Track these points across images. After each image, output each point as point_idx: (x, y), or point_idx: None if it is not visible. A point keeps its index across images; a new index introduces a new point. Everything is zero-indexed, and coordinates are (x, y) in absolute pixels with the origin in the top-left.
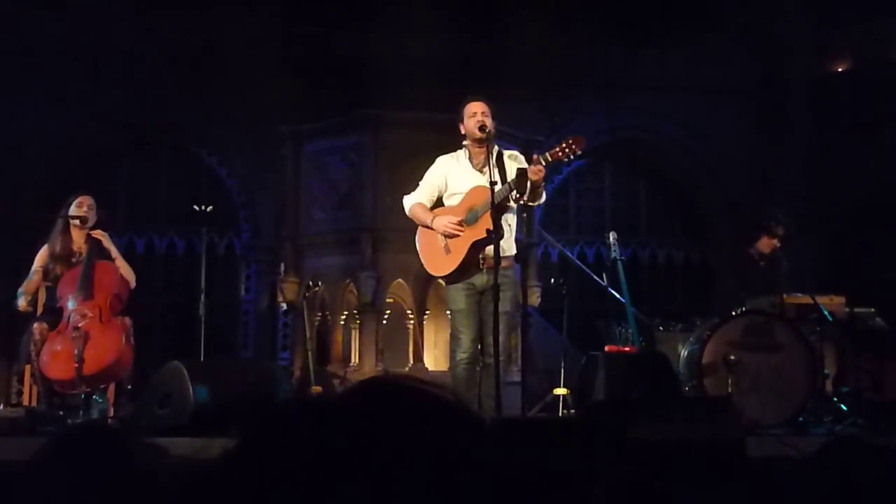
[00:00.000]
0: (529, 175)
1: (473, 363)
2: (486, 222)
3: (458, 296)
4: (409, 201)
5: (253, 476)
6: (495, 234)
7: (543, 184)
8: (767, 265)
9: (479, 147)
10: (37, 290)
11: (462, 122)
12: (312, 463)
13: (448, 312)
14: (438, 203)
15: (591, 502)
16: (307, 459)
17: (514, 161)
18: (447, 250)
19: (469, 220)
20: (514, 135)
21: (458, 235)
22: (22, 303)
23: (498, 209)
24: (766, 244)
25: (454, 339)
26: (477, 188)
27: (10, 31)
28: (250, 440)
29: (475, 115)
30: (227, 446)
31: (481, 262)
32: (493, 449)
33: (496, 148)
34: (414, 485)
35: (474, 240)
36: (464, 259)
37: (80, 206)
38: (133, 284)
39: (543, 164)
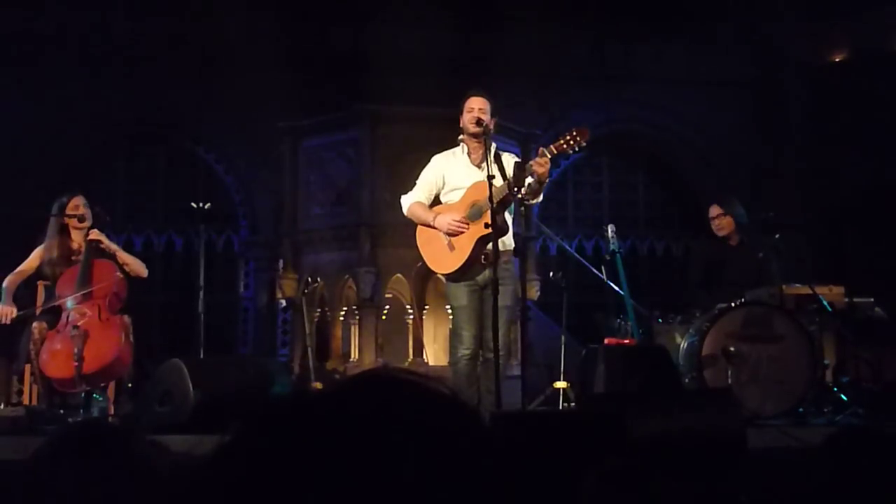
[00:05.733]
0: (535, 167)
1: (475, 359)
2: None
3: (460, 292)
4: (406, 201)
5: (246, 470)
6: (495, 229)
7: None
8: (765, 256)
9: (477, 142)
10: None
11: (462, 115)
12: (306, 457)
13: (448, 308)
14: (436, 201)
15: (582, 494)
16: (301, 453)
17: (513, 161)
18: (451, 247)
19: (473, 216)
20: (511, 129)
21: (462, 233)
22: None
23: (501, 205)
24: (714, 211)
25: (456, 335)
26: (478, 184)
27: (5, 27)
28: (244, 434)
29: (472, 109)
30: (222, 441)
31: (484, 257)
32: (490, 443)
33: (493, 145)
34: (410, 479)
35: (479, 236)
36: (469, 255)
37: (75, 208)
38: (145, 274)
39: (549, 156)
